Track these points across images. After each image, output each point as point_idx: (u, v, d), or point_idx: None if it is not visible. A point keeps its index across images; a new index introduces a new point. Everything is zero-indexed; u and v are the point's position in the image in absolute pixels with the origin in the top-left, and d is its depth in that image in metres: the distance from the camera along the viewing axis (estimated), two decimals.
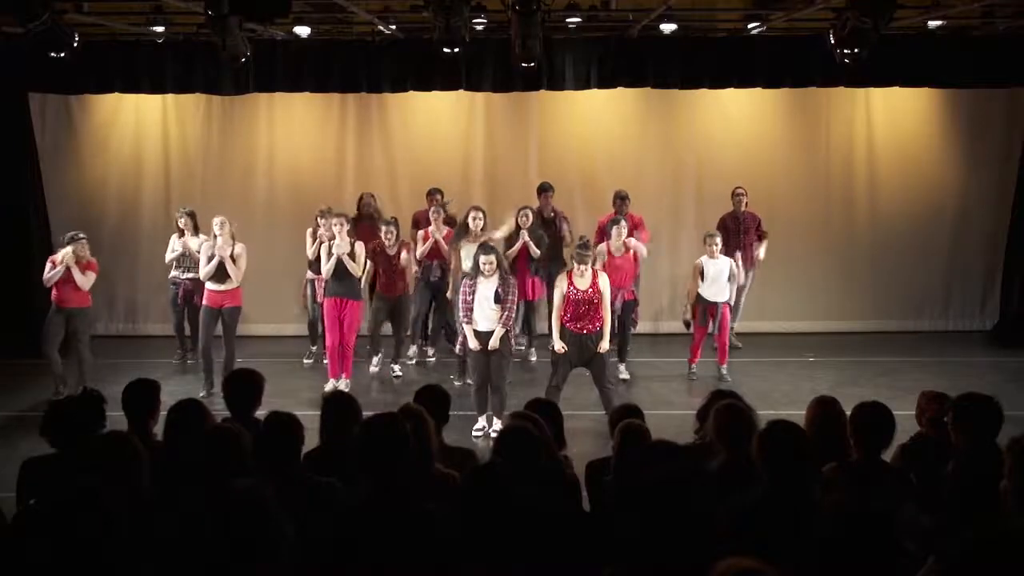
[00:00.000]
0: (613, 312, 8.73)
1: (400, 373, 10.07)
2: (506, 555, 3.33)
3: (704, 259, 9.76)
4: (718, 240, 9.81)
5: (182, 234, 10.50)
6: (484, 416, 8.24)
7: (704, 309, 9.76)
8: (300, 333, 10.93)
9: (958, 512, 3.85)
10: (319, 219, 10.05)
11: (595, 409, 8.16)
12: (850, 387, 9.17)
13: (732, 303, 10.07)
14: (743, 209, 10.87)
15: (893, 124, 12.06)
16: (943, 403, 4.72)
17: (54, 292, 9.29)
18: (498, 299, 8.03)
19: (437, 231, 10.23)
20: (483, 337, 8.11)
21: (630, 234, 9.80)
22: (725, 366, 9.85)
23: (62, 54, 8.69)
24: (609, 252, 9.56)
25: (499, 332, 8.07)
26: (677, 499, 3.46)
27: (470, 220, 9.51)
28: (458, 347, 8.73)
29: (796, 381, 9.78)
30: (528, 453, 4.02)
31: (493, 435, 7.40)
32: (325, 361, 9.91)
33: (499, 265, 8.13)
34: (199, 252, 9.76)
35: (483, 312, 8.08)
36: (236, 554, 2.88)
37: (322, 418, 4.54)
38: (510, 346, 8.32)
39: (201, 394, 9.09)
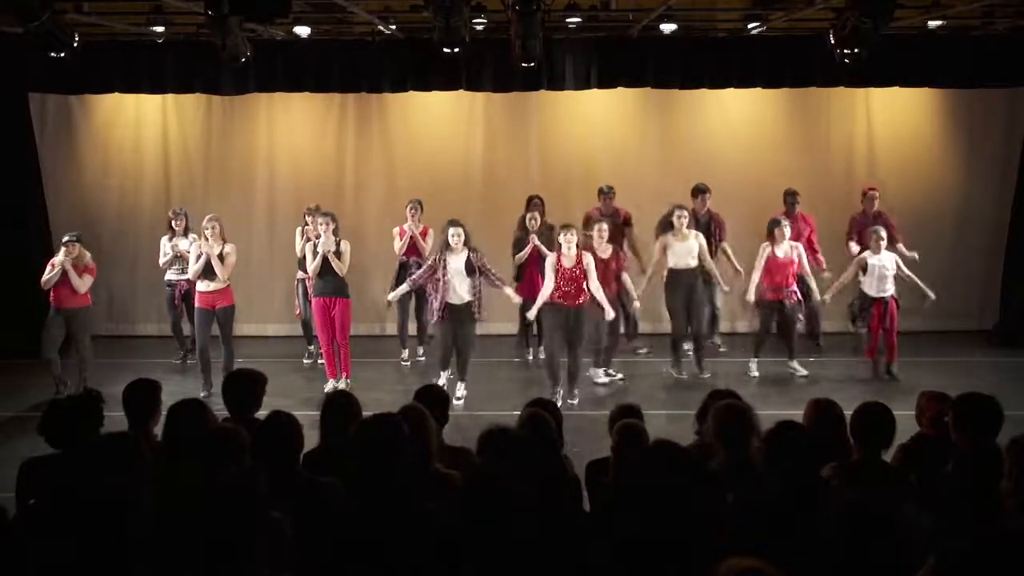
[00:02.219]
0: (777, 312, 9.69)
1: (604, 380, 9.75)
2: (506, 555, 3.32)
3: (867, 254, 9.78)
4: (883, 234, 9.80)
5: (173, 235, 10.53)
6: (445, 373, 9.19)
7: (870, 305, 9.75)
8: (300, 333, 10.92)
9: (958, 512, 3.85)
10: (307, 217, 10.07)
11: (595, 409, 8.17)
12: (850, 387, 9.18)
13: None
14: (875, 209, 10.72)
15: (893, 124, 12.06)
16: (943, 403, 4.70)
17: (53, 294, 9.30)
18: (470, 271, 8.95)
19: (414, 227, 10.23)
20: (455, 309, 8.95)
21: (799, 235, 10.14)
22: (896, 364, 9.78)
23: (62, 54, 8.70)
24: (772, 252, 9.70)
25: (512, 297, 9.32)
26: (677, 499, 3.46)
27: (675, 218, 9.71)
28: (434, 315, 9.16)
29: (796, 381, 9.79)
30: (528, 453, 4.01)
31: (457, 401, 8.80)
32: (321, 361, 9.93)
33: (466, 240, 8.99)
34: (189, 252, 9.79)
35: (455, 285, 8.94)
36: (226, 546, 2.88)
37: (322, 418, 4.53)
38: (475, 314, 9.07)
39: (201, 395, 9.12)
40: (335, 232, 9.38)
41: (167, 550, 3.29)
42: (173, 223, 10.55)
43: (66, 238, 9.38)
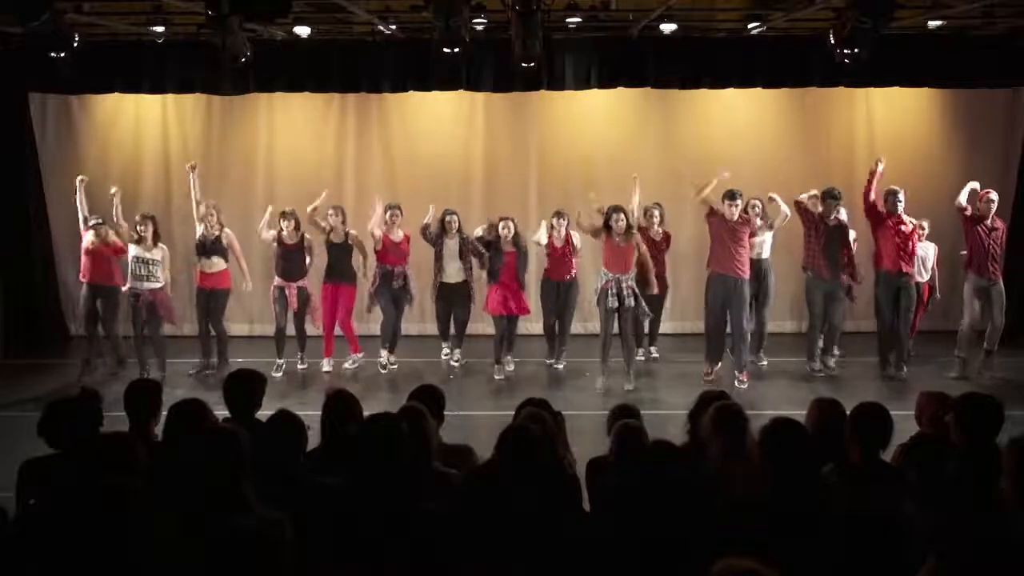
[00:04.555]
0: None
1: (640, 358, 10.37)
2: (506, 555, 3.33)
3: None
4: (925, 225, 10.31)
5: (139, 241, 9.61)
6: (447, 344, 10.40)
7: None
8: (294, 333, 10.83)
9: (958, 512, 3.85)
10: (282, 222, 9.90)
11: (595, 409, 8.16)
12: (850, 387, 9.17)
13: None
14: (992, 212, 10.02)
15: (893, 124, 12.05)
16: (943, 403, 4.71)
17: (84, 268, 9.66)
18: (461, 254, 9.92)
19: (387, 231, 10.03)
20: (451, 287, 9.97)
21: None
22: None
23: (62, 54, 8.71)
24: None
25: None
26: (676, 499, 3.46)
27: (748, 209, 10.13)
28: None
29: (796, 381, 9.79)
30: (528, 453, 4.01)
31: (455, 363, 10.27)
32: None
33: (459, 227, 9.94)
34: (160, 262, 9.61)
35: (451, 266, 9.95)
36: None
37: (323, 417, 4.54)
38: (471, 294, 10.09)
39: (197, 364, 9.59)
40: (343, 223, 9.95)
41: (166, 550, 3.29)
42: (139, 228, 9.62)
43: (96, 221, 9.62)
